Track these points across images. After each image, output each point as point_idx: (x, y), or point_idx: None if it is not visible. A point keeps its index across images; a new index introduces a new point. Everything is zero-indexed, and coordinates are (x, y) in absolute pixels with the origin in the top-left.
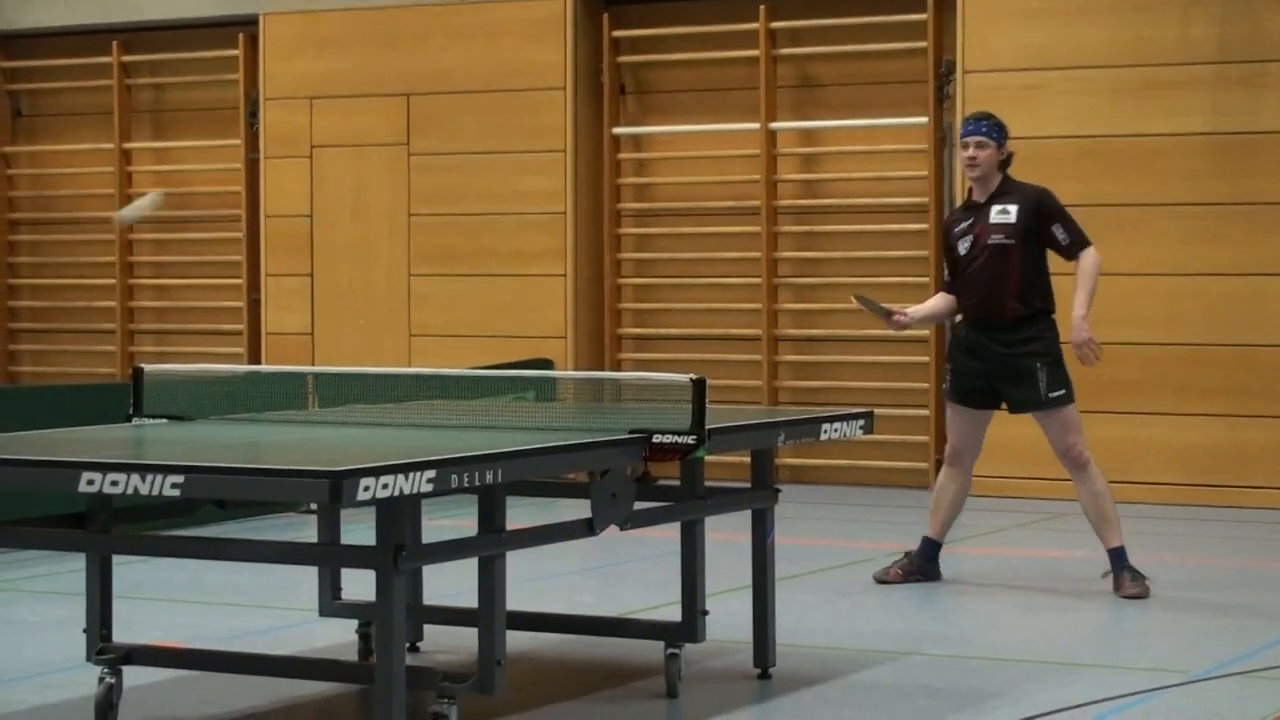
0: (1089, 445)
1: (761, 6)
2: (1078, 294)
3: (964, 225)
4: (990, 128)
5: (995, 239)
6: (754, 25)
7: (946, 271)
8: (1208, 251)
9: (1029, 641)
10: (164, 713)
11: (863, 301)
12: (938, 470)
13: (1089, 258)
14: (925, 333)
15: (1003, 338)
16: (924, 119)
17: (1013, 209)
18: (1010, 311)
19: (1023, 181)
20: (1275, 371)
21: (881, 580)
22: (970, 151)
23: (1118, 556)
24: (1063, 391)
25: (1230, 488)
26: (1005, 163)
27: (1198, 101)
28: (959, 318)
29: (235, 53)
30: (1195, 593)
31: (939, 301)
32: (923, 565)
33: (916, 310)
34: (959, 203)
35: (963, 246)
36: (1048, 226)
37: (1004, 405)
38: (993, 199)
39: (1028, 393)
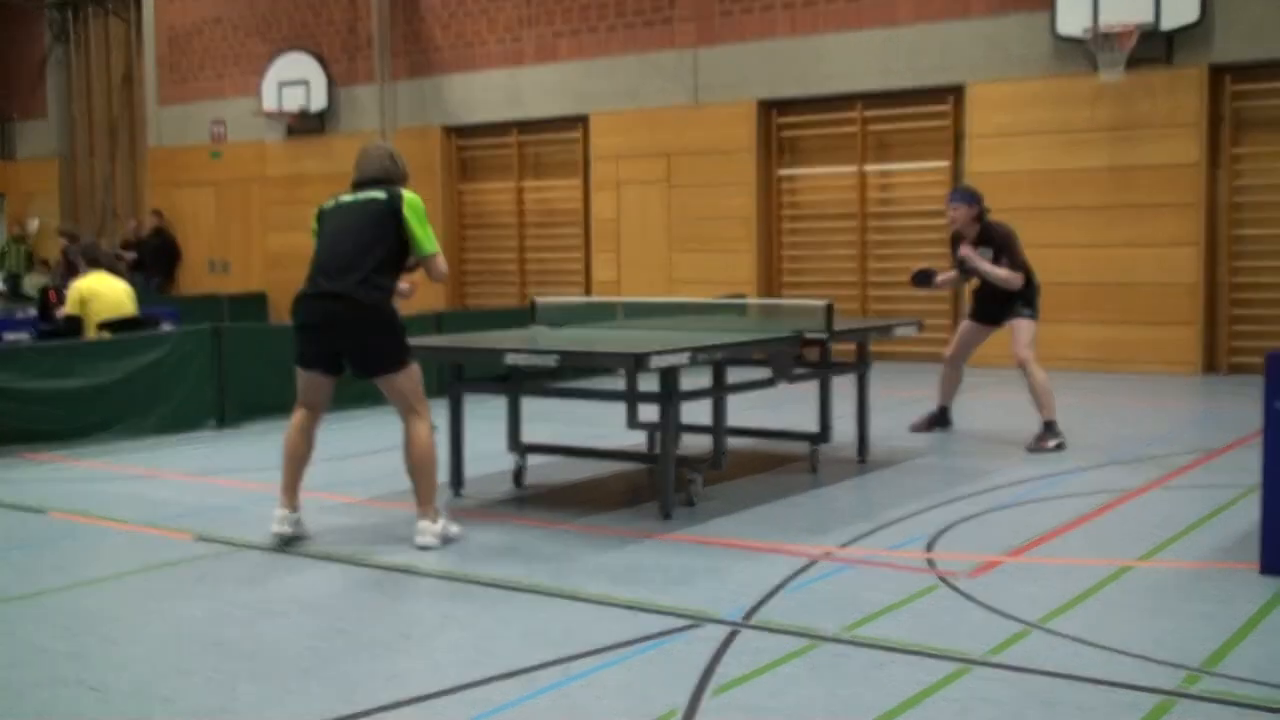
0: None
1: (859, 103)
2: (995, 266)
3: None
4: (961, 196)
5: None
6: (854, 114)
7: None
8: (1100, 233)
9: (1003, 448)
10: (549, 479)
11: (916, 281)
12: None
13: (1006, 271)
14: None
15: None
16: (945, 162)
17: (989, 252)
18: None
19: (995, 223)
20: (1136, 297)
21: (915, 429)
22: (949, 214)
23: (1049, 425)
24: (1029, 310)
25: (1111, 361)
26: (979, 215)
27: (1098, 150)
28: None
29: (575, 135)
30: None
31: (954, 275)
32: (938, 418)
33: (945, 277)
34: None
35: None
36: (1000, 257)
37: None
38: (975, 242)
39: (1007, 313)
